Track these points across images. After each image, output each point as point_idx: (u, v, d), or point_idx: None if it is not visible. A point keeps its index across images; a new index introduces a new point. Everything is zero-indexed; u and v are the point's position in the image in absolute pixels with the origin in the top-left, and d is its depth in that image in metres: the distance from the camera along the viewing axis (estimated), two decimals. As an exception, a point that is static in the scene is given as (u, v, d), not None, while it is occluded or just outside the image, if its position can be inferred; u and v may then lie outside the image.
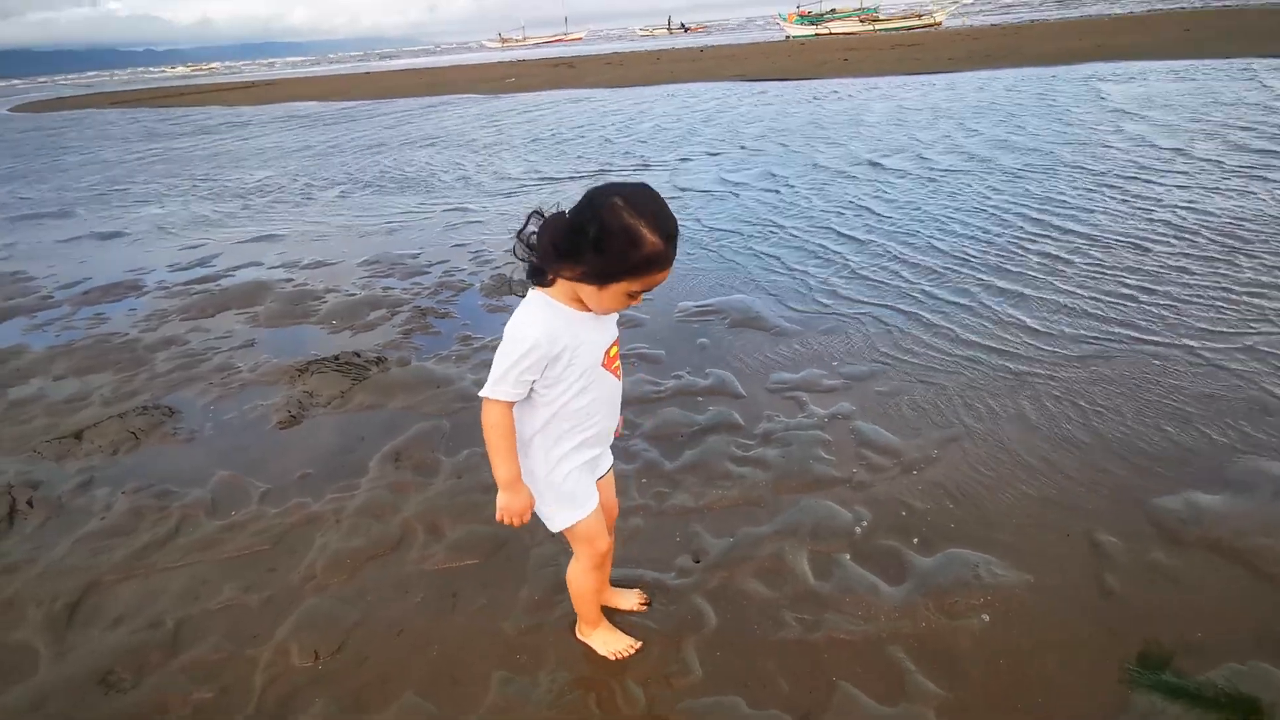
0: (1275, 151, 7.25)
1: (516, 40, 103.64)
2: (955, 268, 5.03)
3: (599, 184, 1.61)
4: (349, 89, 30.71)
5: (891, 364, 3.78)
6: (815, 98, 15.08)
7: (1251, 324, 3.84)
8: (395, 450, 3.36)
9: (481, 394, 1.73)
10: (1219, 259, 4.73)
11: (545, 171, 9.92)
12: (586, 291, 1.62)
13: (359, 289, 5.75)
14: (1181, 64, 14.66)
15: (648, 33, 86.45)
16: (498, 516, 1.81)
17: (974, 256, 5.21)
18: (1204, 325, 3.85)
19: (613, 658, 2.14)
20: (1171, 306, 4.12)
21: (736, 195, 7.71)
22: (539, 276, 1.66)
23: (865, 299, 4.64)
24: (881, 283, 4.90)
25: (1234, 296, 4.17)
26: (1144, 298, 4.26)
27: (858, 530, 2.61)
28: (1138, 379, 3.41)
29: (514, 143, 12.66)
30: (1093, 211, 5.95)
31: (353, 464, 3.31)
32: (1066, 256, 5.02)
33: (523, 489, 1.81)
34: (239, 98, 31.92)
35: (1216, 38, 17.88)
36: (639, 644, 2.18)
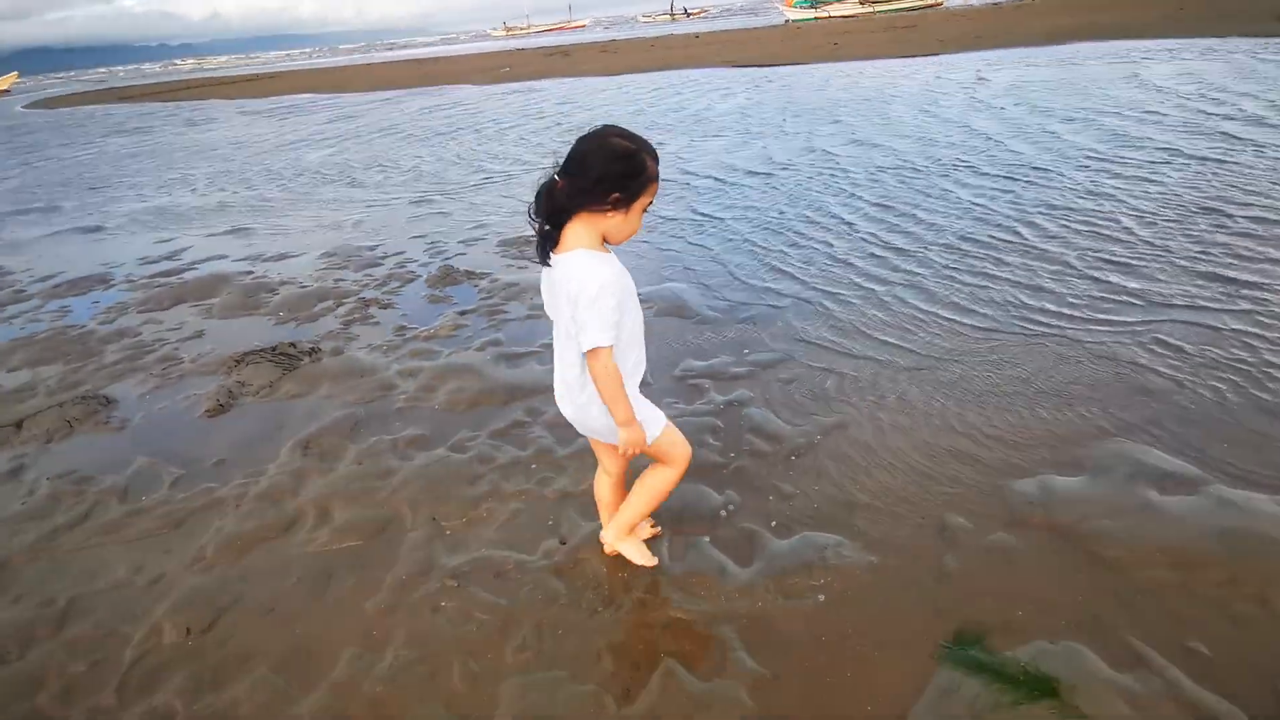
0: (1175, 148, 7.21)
1: (521, 29, 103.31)
2: (883, 257, 5.07)
3: (586, 132, 1.90)
4: (347, 81, 30.80)
5: (800, 352, 3.85)
6: (789, 85, 15.02)
7: (1148, 311, 3.87)
8: (307, 438, 3.47)
9: (590, 346, 1.88)
10: (1122, 252, 4.76)
11: (521, 159, 9.98)
12: (614, 221, 1.90)
13: (314, 281, 5.86)
14: (1154, 44, 14.48)
15: (650, 19, 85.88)
16: (621, 451, 2.07)
17: (890, 248, 5.25)
18: (1102, 315, 3.89)
19: (647, 564, 2.42)
20: (1076, 297, 4.15)
21: (687, 185, 7.75)
22: (551, 235, 1.93)
23: (789, 289, 4.70)
24: (810, 273, 4.95)
25: (1131, 285, 4.20)
26: (1054, 287, 4.29)
27: (723, 514, 2.70)
28: (1030, 367, 3.46)
29: (489, 133, 12.71)
30: (988, 207, 5.96)
31: (265, 451, 3.42)
32: (962, 245, 5.05)
33: (637, 423, 2.04)
34: (240, 90, 32.12)
35: (1208, 17, 17.59)
36: (656, 561, 2.44)
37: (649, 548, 2.50)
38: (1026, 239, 5.11)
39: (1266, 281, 4.05)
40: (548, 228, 1.93)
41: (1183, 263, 4.42)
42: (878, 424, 3.14)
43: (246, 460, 3.37)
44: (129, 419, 3.90)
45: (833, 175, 7.41)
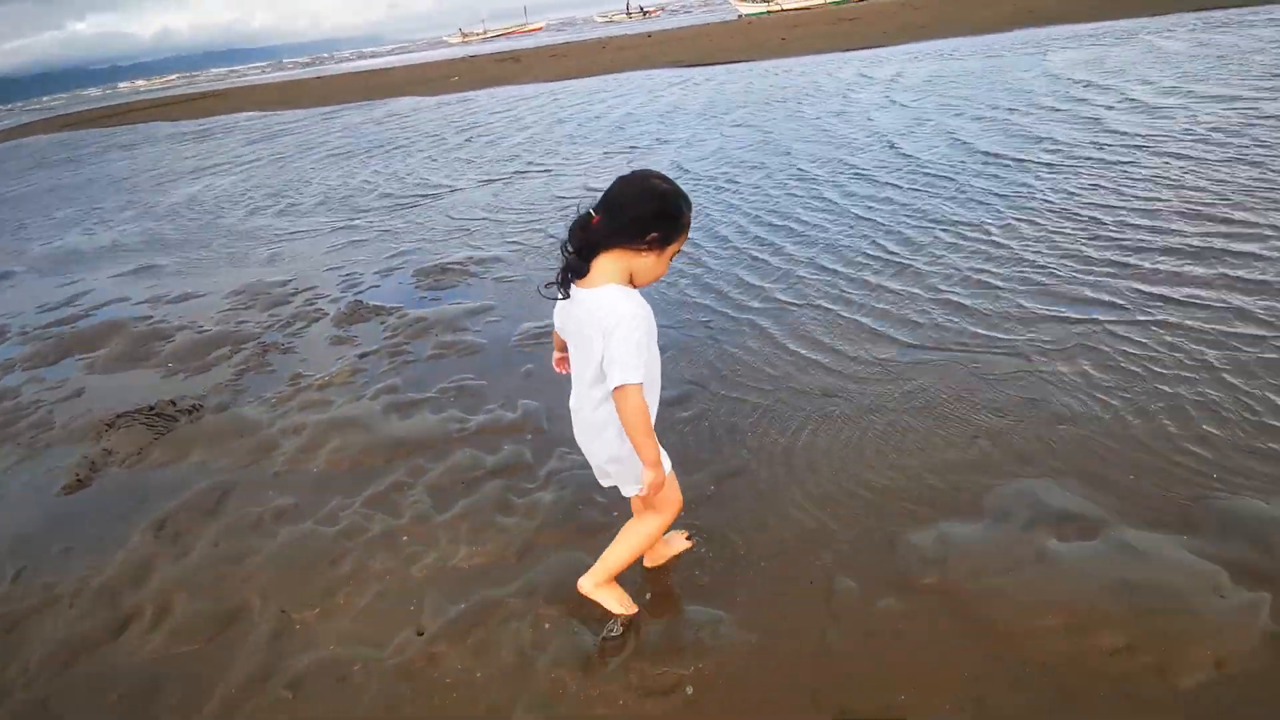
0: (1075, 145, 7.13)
1: (477, 34, 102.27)
2: (803, 274, 4.88)
3: (628, 171, 1.96)
4: (293, 97, 30.11)
5: (706, 385, 3.63)
6: (722, 84, 14.84)
7: (1052, 330, 3.71)
8: (164, 517, 3.18)
9: (619, 383, 1.83)
10: (1056, 267, 4.61)
11: (435, 182, 9.66)
12: (647, 262, 1.91)
13: (214, 324, 5.54)
14: (1088, 27, 14.53)
15: (607, 19, 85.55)
16: (645, 493, 1.98)
17: (763, 268, 5.06)
18: (1030, 336, 3.71)
19: (627, 612, 2.28)
20: (982, 315, 3.98)
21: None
22: (577, 271, 1.92)
23: (700, 314, 4.48)
24: (726, 291, 4.74)
25: (1048, 308, 4.04)
26: (973, 305, 4.12)
27: (599, 587, 2.46)
28: (934, 396, 3.26)
29: (422, 151, 12.35)
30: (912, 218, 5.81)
31: (117, 534, 3.12)
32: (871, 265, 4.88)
33: (662, 466, 1.99)
34: (184, 111, 31.27)
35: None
36: (637, 609, 2.32)
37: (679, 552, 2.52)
38: (907, 255, 4.92)
39: (1170, 295, 3.90)
40: (576, 259, 1.91)
41: (1071, 279, 4.27)
42: (773, 470, 2.93)
43: (95, 546, 3.07)
44: (-20, 500, 3.58)
45: (729, 186, 7.22)
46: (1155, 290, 3.91)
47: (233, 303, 5.99)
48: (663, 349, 3.98)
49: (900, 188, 6.38)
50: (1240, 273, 3.95)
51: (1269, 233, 4.36)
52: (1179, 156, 6.03)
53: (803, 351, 3.82)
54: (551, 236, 6.41)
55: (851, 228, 5.57)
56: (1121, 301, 3.84)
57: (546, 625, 2.34)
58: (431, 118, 16.45)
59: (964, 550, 2.38)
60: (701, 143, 9.53)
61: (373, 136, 14.83)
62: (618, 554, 2.27)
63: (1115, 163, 6.15)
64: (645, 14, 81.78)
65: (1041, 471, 2.69)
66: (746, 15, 39.90)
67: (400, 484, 3.20)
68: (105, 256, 8.24)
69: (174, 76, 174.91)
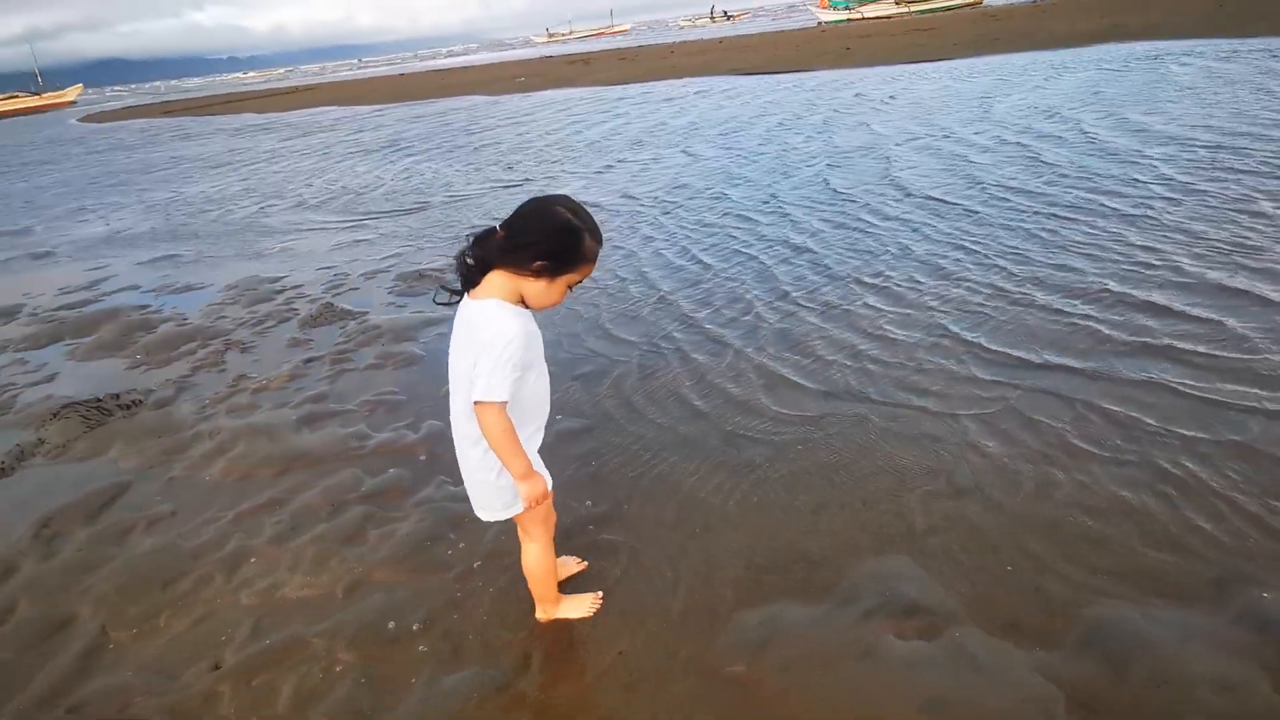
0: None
1: (563, 34, 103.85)
2: (747, 304, 4.63)
3: (536, 195, 1.92)
4: (370, 93, 31.18)
5: (610, 421, 3.46)
6: (758, 96, 14.47)
7: (993, 397, 3.37)
8: (50, 515, 3.20)
9: (480, 399, 1.81)
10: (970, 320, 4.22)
11: (458, 187, 9.73)
12: (537, 287, 1.86)
13: (199, 317, 5.67)
14: (1178, 44, 13.50)
15: (690, 23, 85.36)
16: (524, 504, 1.98)
17: (702, 303, 4.79)
18: (920, 394, 3.39)
19: (592, 612, 2.30)
20: (918, 371, 3.66)
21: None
22: (466, 282, 1.90)
23: (631, 342, 4.31)
24: (669, 321, 4.54)
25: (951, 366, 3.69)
26: (906, 354, 3.81)
27: (415, 628, 2.34)
28: (843, 455, 3.00)
29: (456, 149, 12.50)
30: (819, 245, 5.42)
31: (4, 529, 3.18)
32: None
33: (538, 474, 1.98)
34: (273, 104, 32.74)
35: (1240, 17, 16.40)
36: (600, 594, 2.36)
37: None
38: (834, 295, 4.59)
39: (1070, 361, 3.50)
40: (471, 264, 1.89)
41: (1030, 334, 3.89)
42: (635, 523, 2.74)
43: (-19, 540, 3.13)
44: (-84, 480, 3.72)
45: (714, 215, 6.96)
46: (1122, 358, 3.52)
47: (224, 296, 6.14)
48: (564, 379, 3.86)
49: (808, 226, 6.02)
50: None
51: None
52: None
53: (704, 396, 3.60)
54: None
55: (760, 267, 5.28)
56: (1080, 366, 3.46)
57: (338, 669, 2.23)
58: (474, 115, 16.68)
59: (789, 636, 2.14)
60: (703, 160, 9.30)
61: (415, 133, 15.13)
62: (534, 585, 2.28)
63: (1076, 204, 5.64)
64: (729, 18, 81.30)
65: (915, 550, 2.41)
66: (826, 23, 39.13)
67: (276, 501, 3.15)
68: (137, 242, 8.61)
69: (282, 70, 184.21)
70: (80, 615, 2.60)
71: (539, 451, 2.08)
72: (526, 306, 1.92)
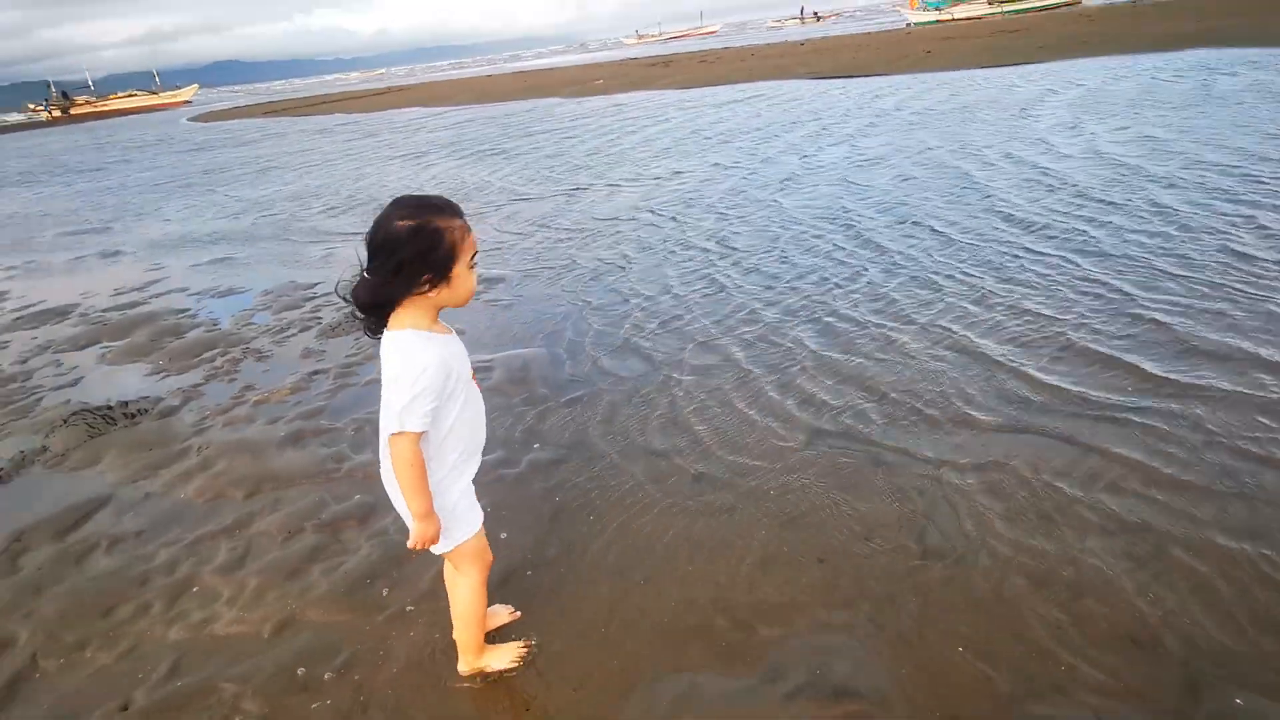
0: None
1: (653, 36, 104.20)
2: (762, 326, 4.33)
3: (376, 218, 1.75)
4: (455, 94, 31.92)
5: (585, 453, 3.26)
6: (816, 102, 13.89)
7: (987, 446, 2.98)
8: (23, 529, 3.24)
9: (392, 431, 1.75)
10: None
11: (520, 190, 9.71)
12: (442, 296, 1.76)
13: (228, 323, 5.79)
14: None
15: (779, 24, 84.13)
16: (410, 544, 1.88)
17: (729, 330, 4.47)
18: (957, 441, 3.03)
19: (521, 663, 2.17)
20: (940, 406, 3.30)
21: (613, 228, 7.15)
22: (377, 321, 1.79)
23: (626, 368, 4.10)
24: (654, 349, 4.30)
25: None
26: (908, 390, 3.44)
27: (327, 677, 2.21)
28: (816, 501, 2.72)
29: (518, 158, 12.52)
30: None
31: (-14, 538, 3.24)
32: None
33: (434, 517, 1.87)
34: (362, 105, 33.98)
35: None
36: (532, 640, 2.23)
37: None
38: (847, 330, 4.21)
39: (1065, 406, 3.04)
40: (370, 318, 1.80)
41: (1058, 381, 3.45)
42: (579, 568, 2.53)
43: (-37, 548, 3.19)
44: (-69, 481, 3.85)
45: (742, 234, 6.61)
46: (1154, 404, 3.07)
47: (258, 302, 6.25)
48: (588, 402, 3.70)
49: (814, 242, 5.59)
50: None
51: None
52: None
53: (684, 431, 3.36)
54: (572, 260, 6.21)
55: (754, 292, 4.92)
56: (1098, 414, 3.05)
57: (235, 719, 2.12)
58: (537, 118, 16.74)
59: (699, 713, 1.90)
60: (728, 170, 8.95)
61: (478, 135, 15.30)
62: (460, 630, 2.15)
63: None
64: (818, 18, 79.72)
65: (862, 623, 2.14)
66: (914, 24, 37.76)
67: (238, 524, 3.09)
68: (197, 245, 8.92)
69: (381, 71, 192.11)
70: (18, 639, 2.59)
71: (474, 481, 1.99)
72: (438, 328, 1.82)
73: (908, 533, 2.48)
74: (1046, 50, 16.76)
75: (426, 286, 1.73)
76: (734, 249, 5.96)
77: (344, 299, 1.79)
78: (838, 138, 10.28)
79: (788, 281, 5.07)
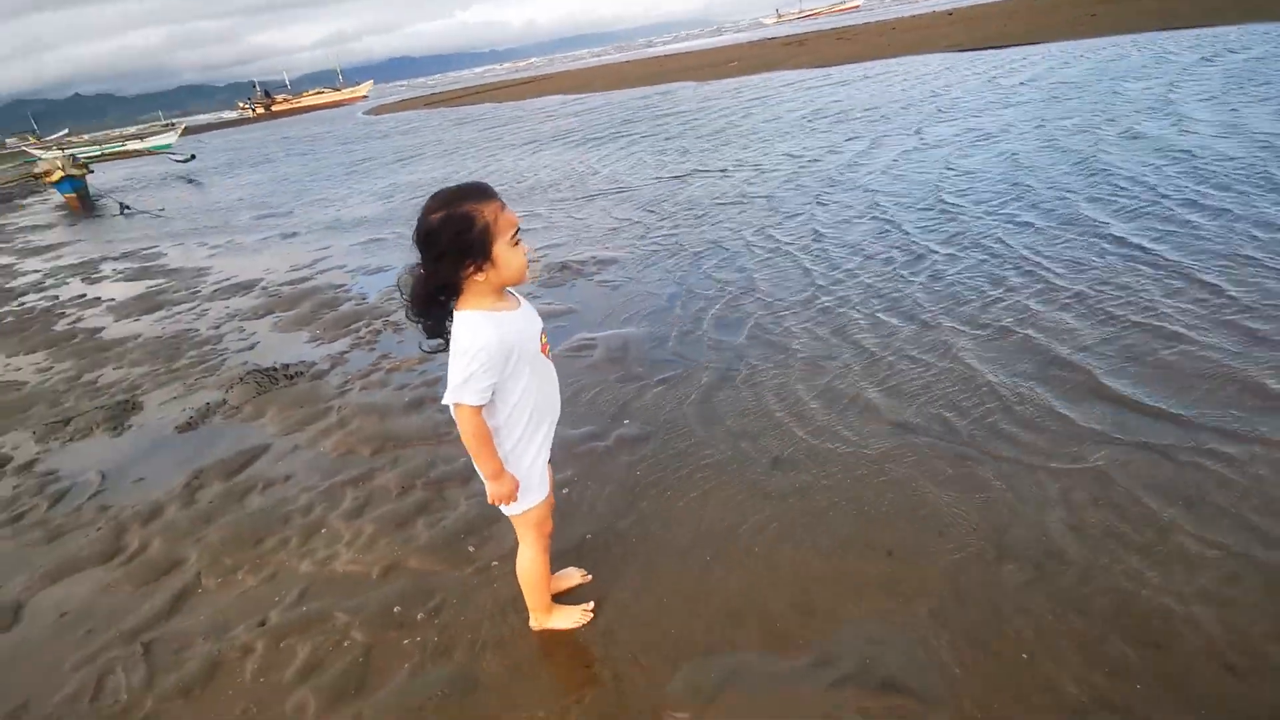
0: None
1: (793, 15, 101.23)
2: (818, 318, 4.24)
3: (417, 219, 1.85)
4: (592, 81, 32.63)
5: (672, 430, 3.40)
6: (932, 79, 12.93)
7: (1088, 451, 2.80)
8: (201, 468, 3.82)
9: (449, 400, 1.90)
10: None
11: (623, 180, 9.90)
12: (493, 275, 1.85)
13: (375, 298, 6.39)
14: None
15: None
16: (490, 501, 2.06)
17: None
18: (1053, 442, 2.88)
19: (581, 625, 2.35)
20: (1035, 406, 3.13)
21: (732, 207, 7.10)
22: (436, 324, 1.92)
23: (721, 352, 4.16)
24: (750, 332, 4.32)
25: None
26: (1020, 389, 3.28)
27: (419, 617, 2.50)
28: (898, 491, 2.71)
29: (640, 142, 12.69)
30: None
31: (173, 475, 3.83)
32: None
33: (508, 476, 2.03)
34: (507, 94, 35.53)
35: None
36: (591, 604, 2.39)
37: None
38: (929, 305, 3.96)
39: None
40: (429, 319, 1.92)
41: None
42: (651, 541, 2.68)
43: (154, 482, 3.80)
44: (134, 427, 4.58)
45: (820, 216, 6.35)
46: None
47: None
48: (679, 381, 3.87)
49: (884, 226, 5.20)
50: None
51: None
52: None
53: (768, 415, 3.42)
54: (678, 242, 6.35)
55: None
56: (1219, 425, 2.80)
57: (345, 644, 2.46)
58: (670, 101, 16.81)
59: (745, 691, 2.01)
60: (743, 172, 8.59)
61: (597, 123, 15.62)
62: (527, 594, 2.33)
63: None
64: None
65: (922, 619, 2.14)
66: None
67: (362, 477, 3.49)
68: (357, 226, 9.81)
69: (526, 61, 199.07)
70: (189, 560, 3.09)
71: (562, 450, 2.14)
72: (503, 304, 1.91)
73: (985, 534, 2.43)
74: (1214, 14, 14.85)
75: (472, 269, 1.82)
76: (843, 242, 5.85)
77: (403, 297, 1.92)
78: (961, 113, 9.69)
79: (895, 270, 4.94)
